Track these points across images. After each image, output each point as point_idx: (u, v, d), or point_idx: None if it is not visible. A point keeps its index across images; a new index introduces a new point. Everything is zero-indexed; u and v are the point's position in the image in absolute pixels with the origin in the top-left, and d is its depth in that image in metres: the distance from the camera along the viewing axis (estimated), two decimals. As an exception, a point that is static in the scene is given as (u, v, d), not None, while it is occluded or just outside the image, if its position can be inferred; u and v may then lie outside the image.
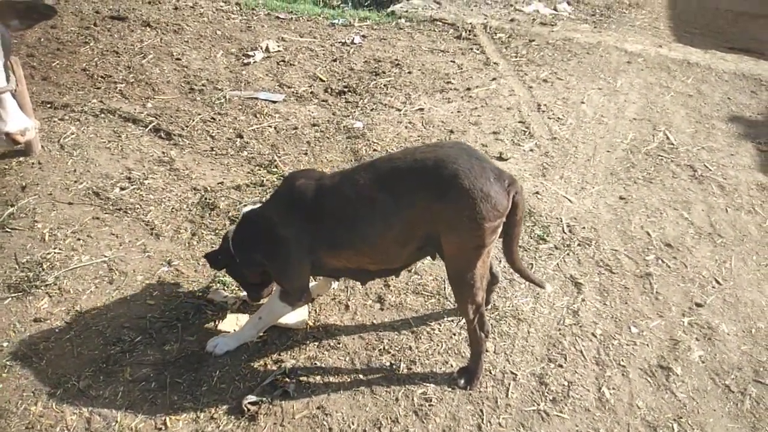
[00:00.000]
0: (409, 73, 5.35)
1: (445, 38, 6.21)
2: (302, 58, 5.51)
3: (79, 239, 3.17)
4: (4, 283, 2.87)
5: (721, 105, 5.10)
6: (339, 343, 2.69)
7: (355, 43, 5.90)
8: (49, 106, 4.38)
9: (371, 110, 4.70)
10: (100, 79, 4.81)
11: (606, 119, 4.76)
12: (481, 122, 4.61)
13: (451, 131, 4.46)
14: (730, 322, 2.89)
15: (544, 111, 4.82)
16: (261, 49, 5.55)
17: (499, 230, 2.22)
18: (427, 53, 5.82)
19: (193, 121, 4.35)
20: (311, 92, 4.94)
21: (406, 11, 6.92)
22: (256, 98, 4.75)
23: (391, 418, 2.36)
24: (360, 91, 4.97)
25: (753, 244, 3.44)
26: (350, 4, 7.67)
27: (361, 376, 2.55)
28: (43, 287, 2.86)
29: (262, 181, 3.76)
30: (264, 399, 2.40)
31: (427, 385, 2.51)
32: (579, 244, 3.36)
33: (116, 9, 6.08)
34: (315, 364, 2.59)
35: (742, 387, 2.57)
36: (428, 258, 2.49)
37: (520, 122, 4.64)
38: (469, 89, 5.11)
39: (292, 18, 6.44)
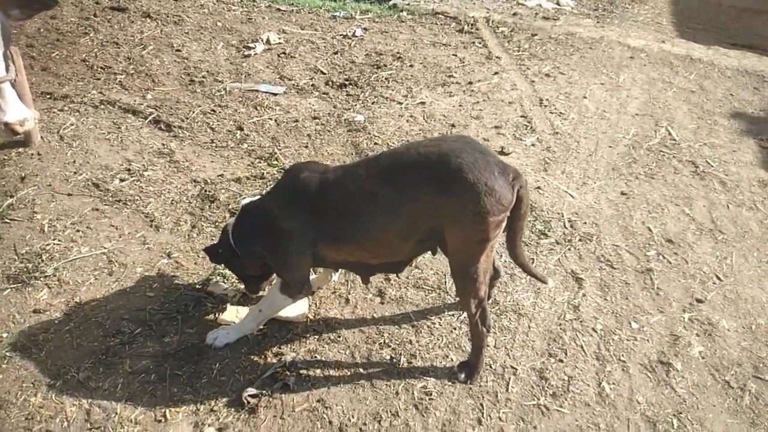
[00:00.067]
0: (411, 66, 5.33)
1: (447, 32, 6.18)
2: (303, 51, 5.48)
3: (78, 230, 3.16)
4: (4, 274, 2.86)
5: (724, 101, 5.08)
6: (339, 337, 2.69)
7: (356, 36, 5.87)
8: (48, 96, 4.36)
9: (372, 103, 4.68)
10: (99, 70, 4.78)
11: (608, 114, 4.74)
12: (482, 116, 4.59)
13: (453, 125, 4.44)
14: (730, 318, 2.89)
15: (546, 105, 4.80)
16: (262, 41, 5.52)
17: (503, 224, 2.21)
18: (429, 46, 5.79)
19: (194, 112, 4.32)
20: (312, 85, 4.91)
21: (408, 4, 6.88)
22: (257, 90, 4.73)
23: (391, 412, 2.36)
24: (361, 84, 4.94)
25: (754, 241, 3.43)
26: (352, -4, 7.62)
27: (361, 369, 2.55)
28: (42, 278, 2.85)
29: (263, 173, 3.74)
30: (264, 392, 2.40)
31: (428, 378, 2.50)
32: (580, 240, 3.35)
33: (116, 0, 6.04)
34: (315, 357, 2.58)
35: (741, 383, 2.57)
36: (429, 252, 2.48)
37: (522, 117, 4.62)
38: (471, 83, 5.09)
39: (293, 10, 6.41)
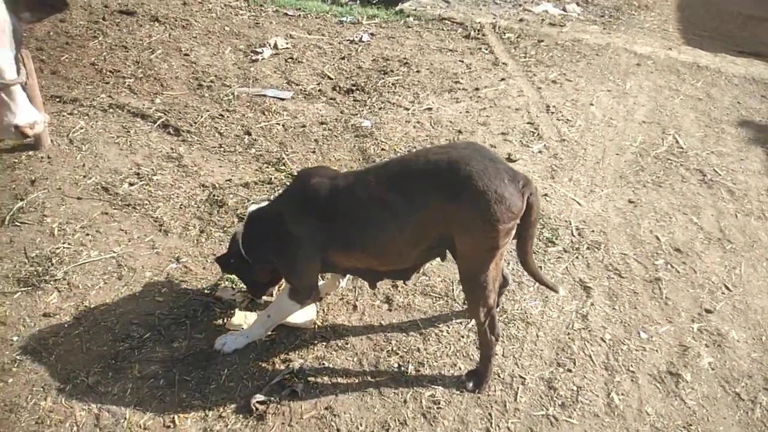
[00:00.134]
0: (418, 72, 5.34)
1: (454, 37, 6.19)
2: (310, 56, 5.50)
3: (88, 234, 3.17)
4: (14, 278, 2.87)
5: (731, 109, 5.08)
6: (347, 344, 2.69)
7: (363, 41, 5.88)
8: (58, 100, 4.38)
9: (379, 109, 4.69)
10: (108, 73, 4.81)
11: (615, 122, 4.74)
12: (489, 123, 4.59)
13: (460, 131, 4.44)
14: (740, 329, 2.88)
15: (552, 112, 4.81)
16: (269, 45, 5.54)
17: (513, 232, 2.21)
18: (436, 52, 5.80)
19: (202, 117, 4.34)
20: (319, 90, 4.93)
21: (415, 10, 6.90)
22: (264, 95, 4.74)
23: (399, 420, 2.36)
24: (368, 90, 4.96)
25: (763, 250, 3.42)
26: (358, 1, 7.64)
27: (369, 377, 2.55)
28: (52, 282, 2.86)
29: (270, 178, 3.75)
30: (272, 398, 2.40)
31: (436, 387, 2.50)
32: (588, 248, 3.35)
33: (125, 3, 6.07)
34: (323, 364, 2.59)
35: (752, 395, 2.56)
36: (436, 259, 2.48)
37: (528, 123, 4.62)
38: (477, 89, 5.10)
39: (300, 15, 6.43)
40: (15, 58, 2.63)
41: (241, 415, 2.34)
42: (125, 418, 2.29)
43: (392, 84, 5.08)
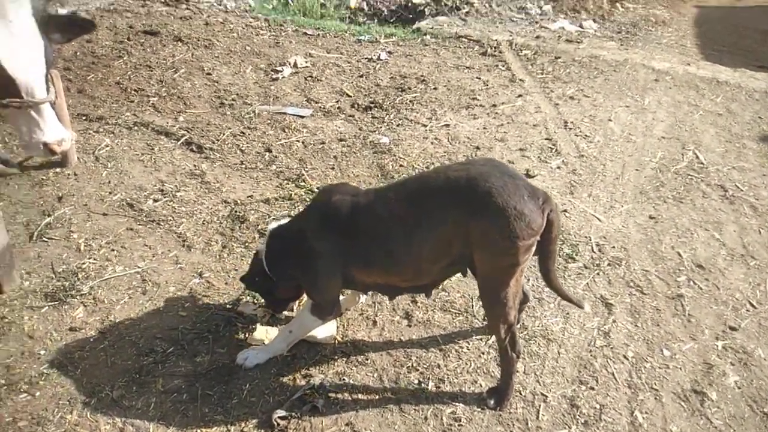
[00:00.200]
0: (435, 89, 5.39)
1: (471, 55, 6.25)
2: (329, 74, 5.58)
3: (113, 250, 3.24)
4: (42, 292, 2.93)
5: (752, 124, 5.03)
6: (367, 359, 2.70)
7: (381, 59, 5.96)
8: (84, 118, 4.50)
9: (397, 126, 4.73)
10: (133, 92, 4.93)
11: (634, 137, 4.73)
12: (507, 139, 4.61)
13: (477, 147, 4.46)
14: (766, 347, 2.83)
15: (570, 128, 4.81)
16: (289, 64, 5.64)
17: (533, 248, 2.21)
18: (453, 69, 5.85)
19: (224, 135, 4.42)
20: (338, 107, 4.99)
21: (432, 28, 6.98)
22: (285, 113, 4.82)
23: (420, 437, 2.35)
24: (386, 107, 5.01)
25: (788, 267, 3.37)
26: (376, 20, 7.76)
27: (389, 393, 2.55)
28: (78, 297, 2.92)
29: (290, 194, 3.80)
30: (293, 413, 2.41)
31: (456, 404, 2.49)
32: (609, 264, 3.33)
33: (149, 24, 6.24)
34: (343, 379, 2.59)
35: (780, 414, 2.51)
36: (456, 275, 2.49)
37: (546, 139, 4.63)
38: (495, 105, 5.12)
39: (319, 34, 6.54)
40: (45, 77, 2.72)
41: (262, 430, 2.35)
42: (149, 432, 2.32)
43: (410, 101, 5.13)
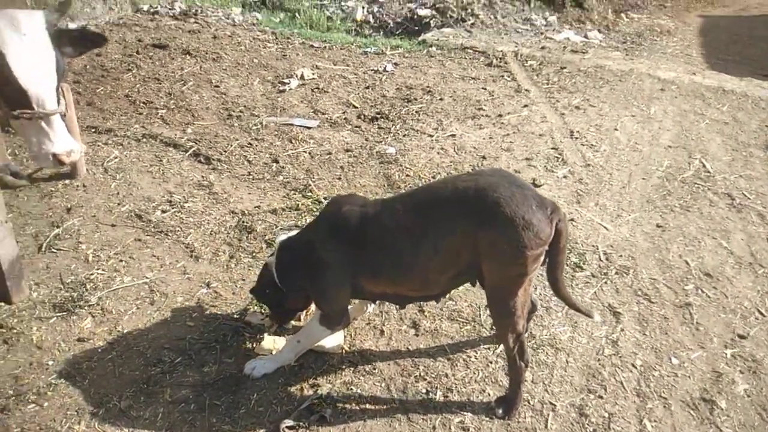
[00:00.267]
0: (441, 99, 5.42)
1: (476, 66, 6.28)
2: (336, 86, 5.63)
3: (121, 260, 3.26)
4: (50, 303, 2.95)
5: (759, 133, 5.02)
6: (374, 369, 2.69)
7: (387, 71, 6.01)
8: (93, 130, 4.55)
9: (403, 136, 4.76)
10: (142, 104, 4.98)
11: (640, 146, 4.73)
12: (513, 148, 4.62)
13: (484, 157, 4.48)
14: (776, 356, 2.81)
15: (577, 138, 4.82)
16: (296, 76, 5.70)
17: (542, 258, 2.22)
18: (458, 80, 5.89)
19: (231, 146, 4.46)
20: (345, 118, 5.03)
21: (437, 39, 7.03)
22: (292, 124, 4.86)
23: (428, 447, 2.34)
24: (392, 118, 5.04)
25: (797, 276, 3.35)
26: (382, 33, 7.82)
27: (397, 402, 2.54)
28: (86, 307, 2.93)
29: (297, 205, 3.82)
30: (301, 423, 2.41)
31: (465, 413, 2.48)
32: (616, 273, 3.32)
33: (158, 38, 6.32)
34: (351, 389, 2.59)
35: (791, 424, 2.48)
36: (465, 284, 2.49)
37: (552, 149, 4.64)
38: (500, 116, 5.14)
39: (325, 46, 6.60)
40: (56, 89, 2.76)
41: (270, 440, 2.35)
42: (157, 442, 2.32)
43: (416, 112, 5.16)
